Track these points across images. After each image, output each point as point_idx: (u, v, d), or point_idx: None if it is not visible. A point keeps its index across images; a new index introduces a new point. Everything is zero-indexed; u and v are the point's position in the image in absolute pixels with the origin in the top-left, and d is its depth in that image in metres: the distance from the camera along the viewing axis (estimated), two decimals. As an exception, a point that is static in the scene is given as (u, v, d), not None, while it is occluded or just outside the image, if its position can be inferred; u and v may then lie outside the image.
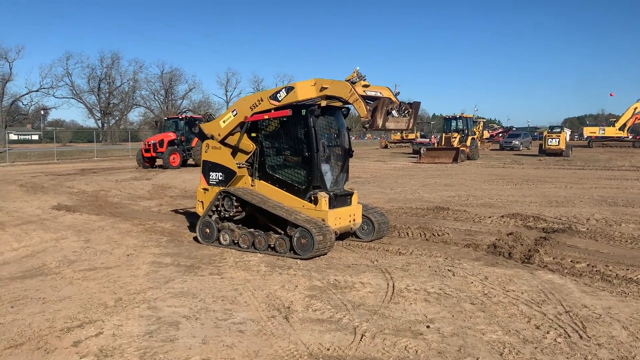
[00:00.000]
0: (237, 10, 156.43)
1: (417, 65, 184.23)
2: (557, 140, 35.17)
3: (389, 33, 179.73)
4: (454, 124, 33.91)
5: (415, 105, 7.72)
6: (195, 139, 24.00)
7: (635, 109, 49.39)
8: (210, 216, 8.35)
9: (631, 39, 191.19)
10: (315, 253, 7.20)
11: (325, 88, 7.32)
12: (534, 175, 20.70)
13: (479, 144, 36.67)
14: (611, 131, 50.76)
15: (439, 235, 8.97)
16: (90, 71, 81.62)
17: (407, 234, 9.13)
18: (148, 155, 26.20)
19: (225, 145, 8.57)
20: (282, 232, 7.61)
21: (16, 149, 48.90)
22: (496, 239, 8.56)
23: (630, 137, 50.61)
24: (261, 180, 8.31)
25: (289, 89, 7.58)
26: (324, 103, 7.60)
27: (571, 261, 7.12)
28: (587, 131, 54.60)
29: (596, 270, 6.61)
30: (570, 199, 13.53)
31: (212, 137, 8.64)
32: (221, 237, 8.13)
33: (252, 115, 8.08)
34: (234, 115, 8.32)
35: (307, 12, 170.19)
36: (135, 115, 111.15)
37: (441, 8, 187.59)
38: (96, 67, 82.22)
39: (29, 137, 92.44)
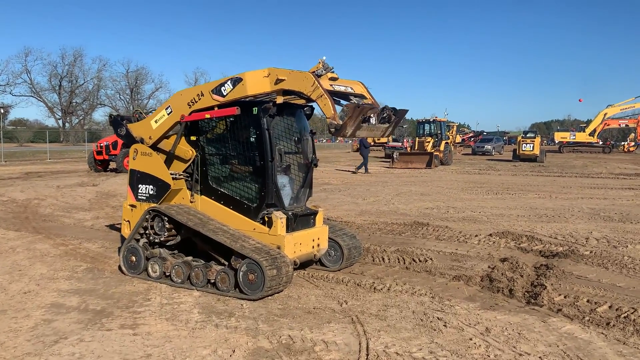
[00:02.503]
0: (205, 6, 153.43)
1: (384, 67, 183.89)
2: (532, 145, 34.41)
3: (356, 34, 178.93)
4: (427, 127, 32.72)
5: (401, 113, 6.22)
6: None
7: (605, 114, 49.27)
8: (137, 240, 6.64)
9: (598, 45, 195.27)
10: (266, 292, 5.59)
11: (282, 80, 5.73)
12: (513, 183, 19.49)
13: (452, 149, 35.64)
14: (582, 136, 50.63)
15: (420, 261, 7.45)
16: (51, 68, 78.02)
17: (383, 258, 7.59)
18: (100, 157, 24.10)
19: (158, 150, 6.89)
20: (227, 264, 5.97)
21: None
22: (489, 267, 7.09)
23: (600, 142, 50.52)
24: (203, 196, 6.65)
25: (236, 81, 5.95)
26: (280, 99, 6.01)
27: (588, 301, 5.68)
28: (558, 136, 54.38)
29: (625, 317, 5.16)
30: (560, 212, 12.23)
31: (142, 141, 6.94)
32: (150, 268, 6.43)
33: (190, 114, 6.42)
34: (168, 114, 6.65)
35: (278, 8, 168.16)
36: (100, 115, 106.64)
37: (408, 8, 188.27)
38: (57, 65, 78.62)
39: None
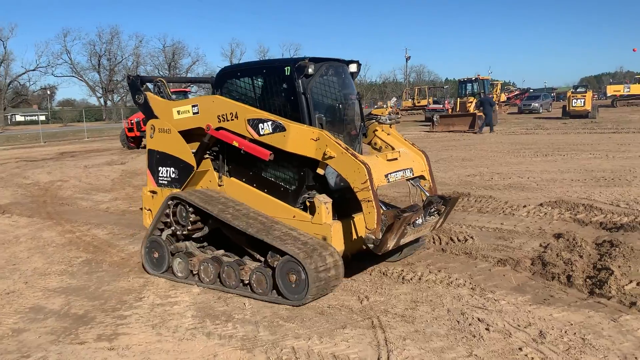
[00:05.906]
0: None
1: (426, 27, 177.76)
2: (583, 100, 32.05)
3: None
4: (469, 87, 30.93)
5: (452, 202, 5.35)
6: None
7: (664, 63, 45.84)
8: (160, 232, 5.75)
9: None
10: (312, 297, 4.58)
11: (330, 157, 4.74)
12: (564, 142, 17.93)
13: (497, 109, 33.71)
14: (637, 89, 47.31)
15: (459, 240, 6.47)
16: (90, 47, 78.60)
17: (416, 238, 6.64)
18: (132, 135, 23.69)
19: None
20: (263, 260, 4.98)
21: (8, 131, 46.96)
22: (541, 246, 6.05)
23: (659, 94, 47.21)
24: (232, 178, 5.63)
25: (278, 127, 4.94)
26: (321, 172, 5.01)
27: (668, 290, 4.60)
28: (611, 89, 51.04)
29: None
30: (620, 173, 10.87)
31: None
32: (175, 266, 5.52)
33: (217, 130, 5.41)
34: (193, 113, 5.66)
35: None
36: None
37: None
38: (96, 43, 79.16)
39: (36, 117, 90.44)
